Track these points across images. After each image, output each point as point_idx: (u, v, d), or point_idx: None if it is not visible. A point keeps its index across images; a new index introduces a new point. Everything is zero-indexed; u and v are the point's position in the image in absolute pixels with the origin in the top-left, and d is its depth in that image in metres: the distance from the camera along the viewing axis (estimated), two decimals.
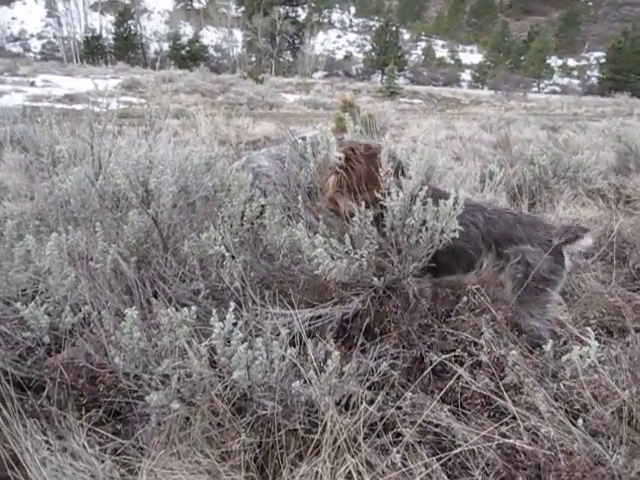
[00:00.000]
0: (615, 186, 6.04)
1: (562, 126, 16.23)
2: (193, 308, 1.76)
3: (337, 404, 1.84)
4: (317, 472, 1.62)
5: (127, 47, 58.11)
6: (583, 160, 6.01)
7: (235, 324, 1.74)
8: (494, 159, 5.98)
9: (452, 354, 2.19)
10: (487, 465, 1.73)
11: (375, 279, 2.17)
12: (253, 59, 58.71)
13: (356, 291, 2.25)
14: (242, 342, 1.67)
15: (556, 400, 2.05)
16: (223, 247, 2.24)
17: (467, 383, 2.02)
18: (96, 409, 1.95)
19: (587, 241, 2.52)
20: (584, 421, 1.95)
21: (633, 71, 53.89)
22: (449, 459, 1.74)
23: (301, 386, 1.58)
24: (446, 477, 1.67)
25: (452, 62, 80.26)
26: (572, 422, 1.86)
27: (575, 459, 1.67)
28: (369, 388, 2.04)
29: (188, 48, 54.97)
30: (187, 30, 69.44)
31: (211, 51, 62.59)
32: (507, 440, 1.75)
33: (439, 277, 2.50)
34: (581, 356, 2.04)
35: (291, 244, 2.40)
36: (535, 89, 56.69)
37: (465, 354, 2.17)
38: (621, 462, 1.72)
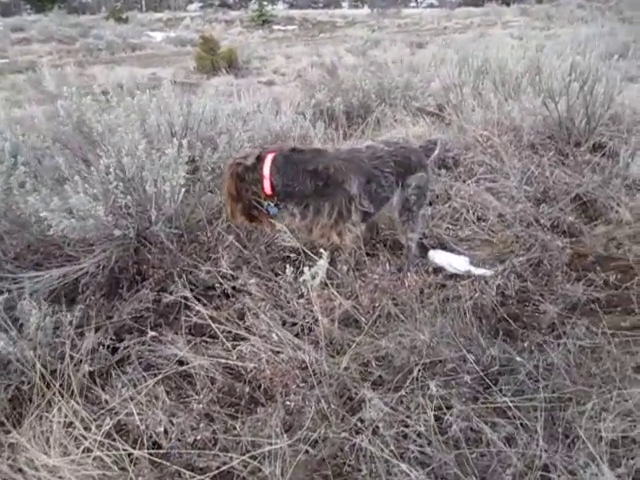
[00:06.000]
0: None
1: (429, 42, 16.65)
2: None
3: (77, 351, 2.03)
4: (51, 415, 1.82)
5: None
6: (409, 80, 6.33)
7: None
8: (323, 88, 6.09)
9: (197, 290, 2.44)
10: (211, 381, 2.00)
11: (116, 230, 2.28)
12: None
13: (101, 244, 2.37)
14: None
15: (294, 317, 2.34)
16: None
17: (196, 313, 2.26)
18: None
19: (436, 151, 2.98)
20: (310, 332, 2.26)
21: None
22: (174, 381, 2.01)
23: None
24: (165, 396, 1.91)
25: None
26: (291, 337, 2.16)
27: (278, 367, 1.97)
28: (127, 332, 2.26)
29: None
30: None
31: None
32: (221, 360, 2.06)
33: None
34: (312, 276, 2.33)
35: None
36: (413, 4, 56.87)
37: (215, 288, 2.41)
38: (325, 363, 2.02)
